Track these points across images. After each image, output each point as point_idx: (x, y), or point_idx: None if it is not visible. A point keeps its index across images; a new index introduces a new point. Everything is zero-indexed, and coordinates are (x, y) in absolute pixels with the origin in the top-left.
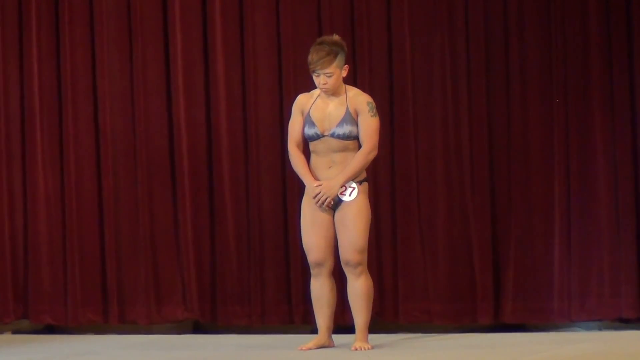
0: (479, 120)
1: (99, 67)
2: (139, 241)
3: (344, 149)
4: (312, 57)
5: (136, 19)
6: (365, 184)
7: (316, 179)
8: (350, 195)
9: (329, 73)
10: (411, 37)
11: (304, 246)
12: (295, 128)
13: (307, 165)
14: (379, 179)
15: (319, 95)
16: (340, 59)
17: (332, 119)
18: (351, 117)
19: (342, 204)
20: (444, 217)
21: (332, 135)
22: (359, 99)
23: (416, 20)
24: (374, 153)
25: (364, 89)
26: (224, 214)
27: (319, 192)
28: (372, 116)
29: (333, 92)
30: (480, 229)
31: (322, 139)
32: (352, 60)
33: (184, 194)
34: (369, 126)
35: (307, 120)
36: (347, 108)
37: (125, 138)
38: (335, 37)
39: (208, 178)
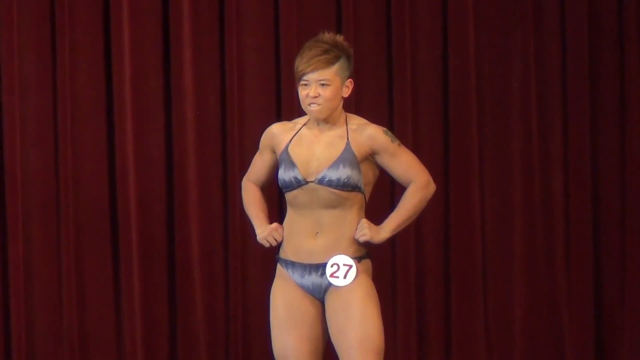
0: (579, 164)
1: (6, 75)
2: (62, 338)
3: (337, 205)
4: (302, 56)
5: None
6: (368, 262)
7: (293, 249)
8: (346, 276)
9: (323, 80)
10: (476, 37)
11: (275, 353)
12: (256, 165)
13: (261, 202)
14: (425, 252)
15: (304, 125)
16: (342, 66)
17: (322, 159)
18: (354, 157)
19: (333, 290)
20: (523, 311)
21: (321, 182)
22: (369, 133)
23: (485, 14)
24: (433, 186)
25: (403, 113)
26: (191, 297)
27: (361, 230)
28: (399, 145)
29: (326, 117)
30: (578, 329)
31: (304, 187)
32: (386, 69)
33: (130, 267)
34: (405, 158)
35: (283, 159)
36: (348, 143)
37: (43, 183)
38: (339, 37)
39: (167, 244)
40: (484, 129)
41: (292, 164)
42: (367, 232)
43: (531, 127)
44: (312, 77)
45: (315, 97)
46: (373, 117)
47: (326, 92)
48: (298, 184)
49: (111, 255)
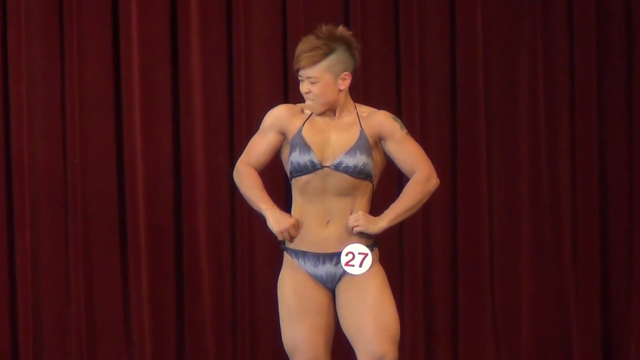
0: (585, 156)
1: (13, 66)
2: (70, 328)
3: (349, 193)
4: (297, 49)
5: None
6: (376, 250)
7: (303, 238)
8: (361, 265)
9: (312, 78)
10: (485, 27)
11: (285, 344)
12: (256, 146)
13: (261, 184)
14: (433, 243)
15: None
16: (333, 61)
17: (337, 145)
18: (368, 145)
19: (346, 279)
20: (530, 302)
21: (337, 168)
22: (378, 118)
23: (492, 4)
24: (436, 180)
25: (411, 104)
26: (199, 288)
27: (356, 220)
28: (407, 134)
29: (322, 111)
30: (585, 321)
31: (318, 172)
32: (393, 60)
33: (138, 258)
34: (410, 147)
35: (297, 143)
36: (362, 130)
37: (51, 174)
38: (341, 29)
39: (175, 234)
40: (492, 120)
41: (307, 148)
42: (362, 222)
43: (539, 119)
44: (302, 73)
45: (307, 92)
46: (381, 108)
47: (315, 89)
48: (314, 167)
49: (119, 245)
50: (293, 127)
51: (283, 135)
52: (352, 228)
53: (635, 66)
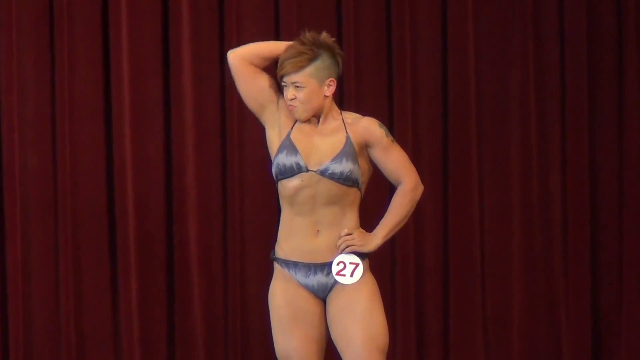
0: (576, 167)
1: (4, 76)
2: (60, 338)
3: (338, 201)
4: (281, 56)
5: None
6: (366, 260)
7: (293, 248)
8: (352, 275)
9: (297, 83)
10: (476, 39)
11: (278, 355)
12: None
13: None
14: (424, 254)
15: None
16: (319, 66)
17: (323, 150)
18: (354, 152)
19: (337, 288)
20: (521, 312)
21: (324, 174)
22: (364, 124)
23: (484, 16)
24: (421, 188)
25: (403, 115)
26: (190, 300)
27: (351, 240)
28: (392, 141)
29: (306, 118)
30: (575, 331)
31: (304, 177)
32: (386, 71)
33: (128, 269)
34: (396, 155)
35: (285, 145)
36: (348, 136)
37: (41, 184)
38: (324, 35)
39: (165, 245)
40: (483, 132)
41: (294, 150)
42: (357, 242)
43: (530, 130)
44: (287, 79)
45: (292, 99)
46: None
47: (300, 95)
48: (299, 170)
49: (109, 256)
50: (286, 124)
51: (274, 103)
52: (345, 248)
53: (626, 77)
